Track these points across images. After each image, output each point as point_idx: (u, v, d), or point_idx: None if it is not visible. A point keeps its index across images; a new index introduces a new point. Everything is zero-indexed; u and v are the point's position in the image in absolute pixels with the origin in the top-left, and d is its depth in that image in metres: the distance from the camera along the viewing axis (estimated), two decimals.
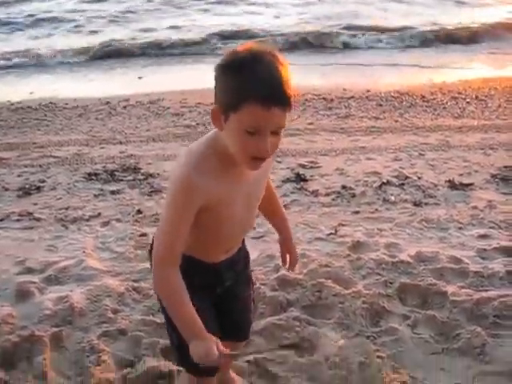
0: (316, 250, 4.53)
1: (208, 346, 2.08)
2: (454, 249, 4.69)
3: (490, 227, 5.21)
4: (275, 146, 2.03)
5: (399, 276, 4.13)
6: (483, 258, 4.53)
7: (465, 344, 3.48)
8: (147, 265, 4.34)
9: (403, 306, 3.86)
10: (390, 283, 4.03)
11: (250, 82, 1.87)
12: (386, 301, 3.83)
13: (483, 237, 4.98)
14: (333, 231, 4.92)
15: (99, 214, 5.59)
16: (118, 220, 5.43)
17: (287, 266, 2.77)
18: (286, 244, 2.72)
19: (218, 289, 2.50)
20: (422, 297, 3.93)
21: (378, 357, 3.32)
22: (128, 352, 3.40)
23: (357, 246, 4.60)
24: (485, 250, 4.67)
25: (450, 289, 3.97)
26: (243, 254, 2.59)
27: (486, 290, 4.03)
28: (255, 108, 1.86)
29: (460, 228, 5.16)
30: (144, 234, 4.97)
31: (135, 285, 4.06)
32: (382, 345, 3.46)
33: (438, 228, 5.13)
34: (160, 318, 3.63)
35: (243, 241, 2.55)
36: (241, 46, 1.98)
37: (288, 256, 2.74)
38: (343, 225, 5.07)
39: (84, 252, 4.67)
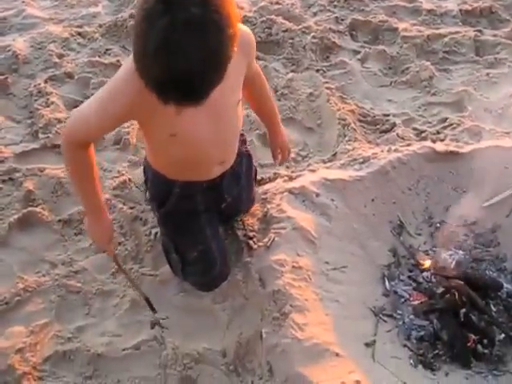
0: None
1: (103, 235, 2.16)
2: None
3: None
4: None
5: (351, 13, 4.03)
6: None
7: (413, 77, 3.53)
8: (91, 9, 4.17)
9: (354, 41, 3.84)
10: (342, 20, 3.94)
11: (147, 63, 1.44)
12: (337, 36, 3.78)
13: None
14: None
15: None
16: None
17: (277, 161, 2.58)
18: (275, 140, 2.49)
19: (222, 205, 2.32)
20: (372, 33, 3.89)
21: (327, 88, 3.34)
22: (76, 93, 3.36)
23: None
24: None
25: (402, 25, 3.91)
26: (246, 165, 2.38)
27: (438, 28, 3.99)
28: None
29: None
30: None
31: (79, 30, 3.89)
32: (331, 78, 3.48)
33: None
34: (107, 59, 3.56)
35: (244, 148, 2.36)
36: None
37: (278, 152, 2.52)
38: None
39: (23, 1, 4.40)
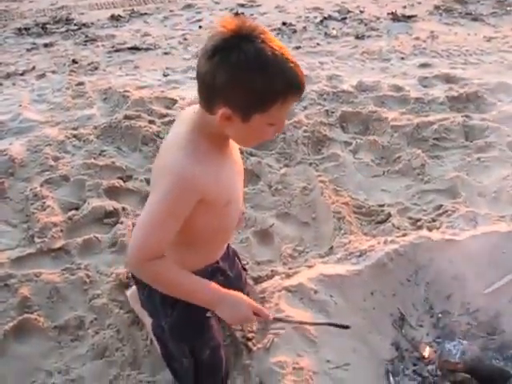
0: None
1: (240, 304, 1.93)
2: (396, 78, 4.71)
3: (432, 56, 5.21)
4: None
5: (340, 105, 4.14)
6: (424, 86, 4.57)
7: (405, 166, 3.57)
8: (86, 112, 4.26)
9: (345, 133, 3.91)
10: (332, 112, 4.04)
11: (279, 81, 1.66)
12: (328, 129, 3.85)
13: (424, 65, 5.01)
14: None
15: (33, 67, 5.38)
16: (54, 72, 5.25)
17: None
18: None
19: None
20: (363, 124, 3.98)
21: (321, 181, 3.37)
22: (72, 196, 3.37)
23: None
24: (426, 77, 4.70)
25: (391, 115, 4.00)
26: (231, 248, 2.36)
27: (427, 115, 4.08)
28: (288, 102, 1.72)
29: (402, 58, 5.16)
30: (81, 83, 4.82)
31: (75, 132, 3.97)
32: (324, 170, 3.52)
33: (379, 59, 5.12)
34: (102, 161, 3.60)
35: None
36: (229, 28, 1.65)
37: None
38: None
39: (20, 106, 4.52)
